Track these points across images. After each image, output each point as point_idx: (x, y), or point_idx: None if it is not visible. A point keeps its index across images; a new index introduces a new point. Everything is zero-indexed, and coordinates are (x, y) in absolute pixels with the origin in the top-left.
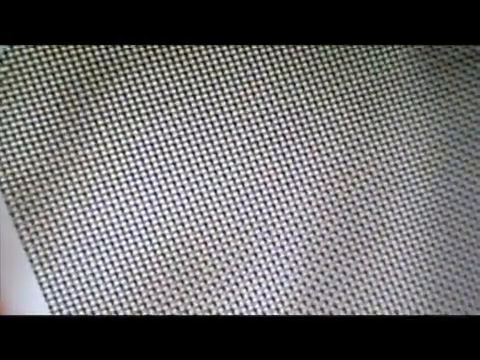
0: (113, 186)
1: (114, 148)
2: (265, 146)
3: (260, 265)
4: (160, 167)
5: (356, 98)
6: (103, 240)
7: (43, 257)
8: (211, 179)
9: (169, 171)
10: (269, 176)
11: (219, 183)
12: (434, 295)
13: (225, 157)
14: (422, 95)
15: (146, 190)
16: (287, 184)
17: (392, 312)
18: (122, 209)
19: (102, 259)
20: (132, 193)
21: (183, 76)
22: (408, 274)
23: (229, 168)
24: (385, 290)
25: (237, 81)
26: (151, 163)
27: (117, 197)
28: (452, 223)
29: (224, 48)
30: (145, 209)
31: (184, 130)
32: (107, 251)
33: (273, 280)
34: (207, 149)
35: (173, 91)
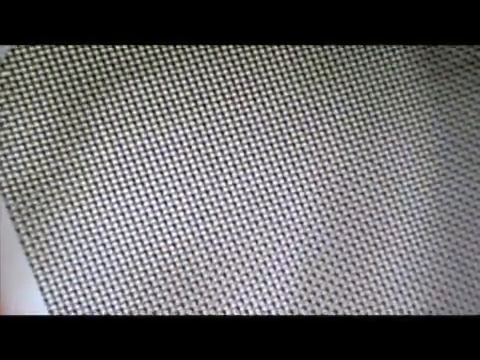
0: (114, 190)
1: (115, 153)
2: (266, 150)
3: (262, 268)
4: (161, 171)
5: (357, 103)
6: (104, 244)
7: (44, 261)
8: (212, 183)
9: (170, 175)
10: (270, 179)
11: (220, 187)
12: (438, 294)
13: (226, 161)
14: (422, 101)
15: (147, 194)
16: (289, 187)
17: (395, 312)
18: (123, 213)
19: (103, 264)
20: (133, 197)
21: (184, 81)
22: (411, 274)
23: (230, 172)
24: (388, 289)
25: (238, 84)
26: (152, 167)
27: (118, 201)
28: (453, 228)
29: (225, 50)
30: (146, 213)
31: (185, 134)
32: (108, 256)
33: (274, 283)
34: (208, 153)
35: (174, 96)
